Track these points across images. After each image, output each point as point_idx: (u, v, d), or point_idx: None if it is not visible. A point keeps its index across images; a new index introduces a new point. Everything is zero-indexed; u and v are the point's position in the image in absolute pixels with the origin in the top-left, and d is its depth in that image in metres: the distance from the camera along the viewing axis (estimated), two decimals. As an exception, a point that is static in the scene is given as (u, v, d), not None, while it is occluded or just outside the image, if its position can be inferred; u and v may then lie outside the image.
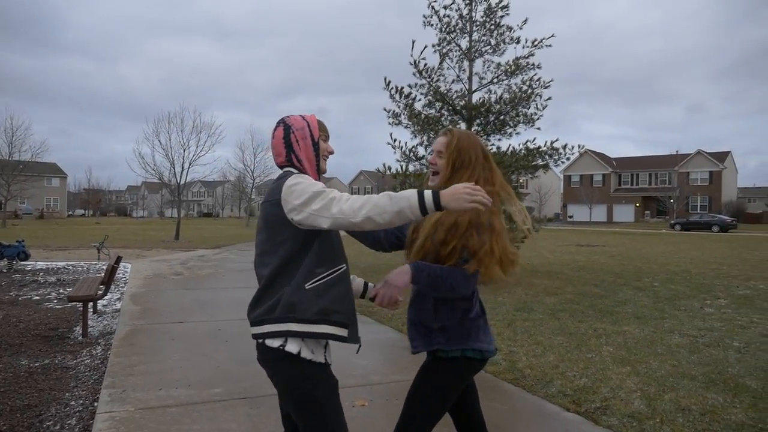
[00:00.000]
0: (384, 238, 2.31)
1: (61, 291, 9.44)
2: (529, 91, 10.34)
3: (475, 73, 10.89)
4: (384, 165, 10.67)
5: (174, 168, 27.16)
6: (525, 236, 10.38)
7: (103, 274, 7.20)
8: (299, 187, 1.84)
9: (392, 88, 10.50)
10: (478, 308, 2.10)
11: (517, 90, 10.45)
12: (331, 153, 2.11)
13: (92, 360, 5.27)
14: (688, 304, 8.27)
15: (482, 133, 10.86)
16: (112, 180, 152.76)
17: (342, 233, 2.03)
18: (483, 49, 10.68)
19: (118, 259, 7.41)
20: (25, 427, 3.67)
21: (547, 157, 10.34)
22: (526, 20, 10.44)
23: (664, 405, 3.94)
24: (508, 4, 10.48)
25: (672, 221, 46.48)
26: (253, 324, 1.94)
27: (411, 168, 10.67)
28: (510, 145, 10.69)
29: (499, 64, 10.68)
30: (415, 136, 10.71)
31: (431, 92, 10.65)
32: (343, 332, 1.92)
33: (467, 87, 10.91)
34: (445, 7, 10.69)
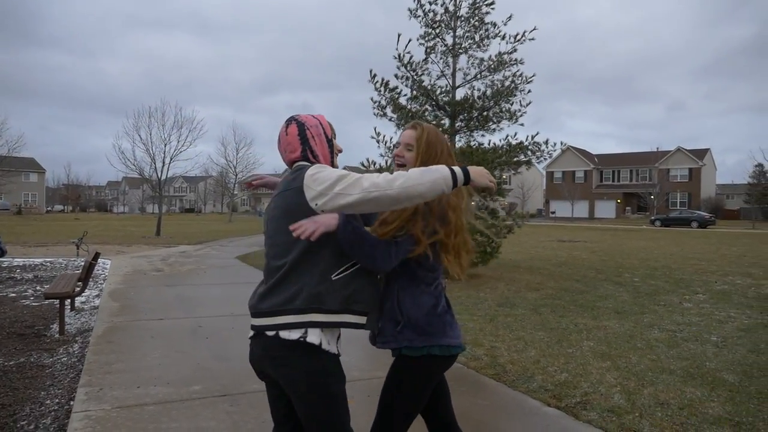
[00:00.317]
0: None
1: (38, 288, 9.26)
2: (512, 86, 10.36)
3: (459, 69, 10.88)
4: (368, 160, 10.64)
5: (155, 163, 26.81)
6: (508, 231, 10.55)
7: (80, 271, 7.07)
8: (324, 173, 1.85)
9: (377, 81, 10.45)
10: (444, 303, 2.08)
11: (499, 85, 10.47)
12: (341, 151, 2.15)
13: (69, 358, 5.17)
14: (668, 299, 8.37)
15: (465, 129, 10.87)
16: (92, 175, 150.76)
17: None
18: (467, 45, 10.67)
19: (96, 256, 7.29)
20: (-1, 427, 3.59)
21: (529, 152, 10.37)
22: (510, 16, 10.46)
23: (643, 399, 3.98)
24: (493, 1, 10.48)
25: (652, 217, 47.08)
26: (265, 315, 1.90)
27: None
28: (490, 141, 10.67)
29: (482, 60, 10.69)
30: (400, 130, 10.70)
31: (415, 86, 10.62)
32: (362, 320, 1.92)
33: (451, 83, 10.90)
34: (430, 2, 10.67)
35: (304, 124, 2.05)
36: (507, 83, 10.42)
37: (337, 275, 1.89)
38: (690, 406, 3.83)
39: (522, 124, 10.61)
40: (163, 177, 27.32)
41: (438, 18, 10.68)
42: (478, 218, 2.19)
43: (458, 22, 10.70)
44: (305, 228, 1.81)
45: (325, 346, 1.88)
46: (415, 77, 10.60)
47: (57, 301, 6.97)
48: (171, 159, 26.95)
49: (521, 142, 10.39)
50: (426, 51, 10.62)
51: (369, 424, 2.14)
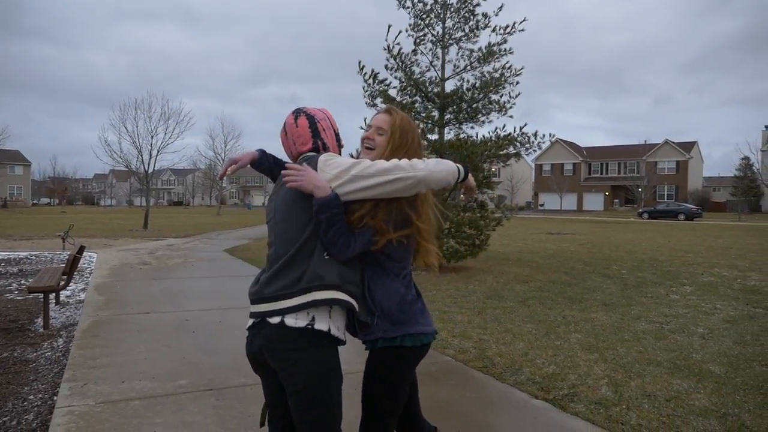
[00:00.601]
0: None
1: (22, 282, 9.14)
2: (502, 78, 10.33)
3: (449, 61, 10.83)
4: (357, 151, 10.58)
5: (141, 155, 26.53)
6: (497, 223, 10.56)
7: (65, 265, 6.97)
8: (338, 159, 1.93)
9: (366, 73, 10.38)
10: (414, 292, 2.06)
11: (488, 78, 10.43)
12: (342, 146, 2.22)
13: (53, 353, 5.10)
14: (655, 291, 8.43)
15: (454, 122, 10.84)
16: (79, 168, 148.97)
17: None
18: (457, 35, 10.61)
19: (81, 249, 7.19)
20: (-20, 423, 3.53)
21: (518, 144, 10.36)
22: (501, 6, 10.40)
23: (630, 391, 3.99)
24: (483, -8, 10.43)
25: (640, 210, 47.42)
26: (269, 300, 1.86)
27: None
28: (478, 133, 10.67)
29: (472, 51, 10.64)
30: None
31: (405, 78, 10.56)
32: (354, 303, 1.88)
33: (440, 74, 10.85)
34: None
35: (314, 117, 2.09)
36: (496, 75, 10.38)
37: (328, 254, 1.88)
38: (677, 398, 3.85)
39: (511, 116, 10.61)
40: (151, 169, 27.05)
41: (427, 8, 10.61)
42: (444, 209, 2.16)
43: (448, 13, 10.64)
44: (294, 177, 1.87)
45: (334, 332, 1.85)
46: (404, 69, 10.53)
47: (41, 295, 6.88)
48: (158, 151, 26.70)
49: (510, 134, 10.38)
50: (415, 42, 10.55)
51: (357, 417, 2.12)
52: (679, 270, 10.94)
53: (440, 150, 10.36)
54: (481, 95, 10.44)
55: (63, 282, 6.57)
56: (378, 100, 10.46)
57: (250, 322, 1.96)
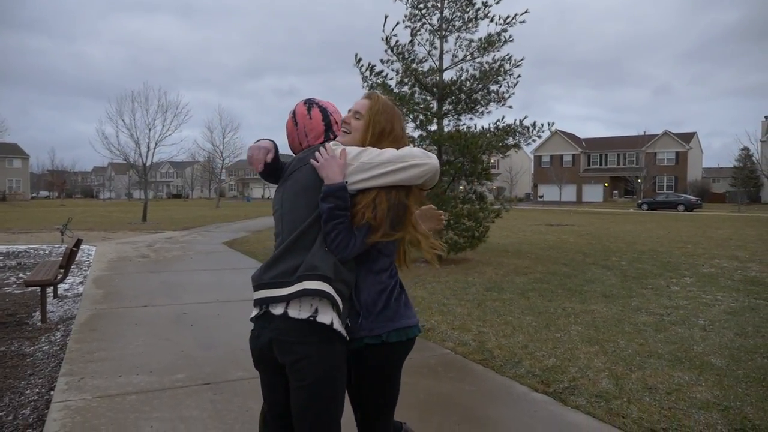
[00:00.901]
0: None
1: (20, 275, 9.10)
2: (502, 69, 10.24)
3: (447, 51, 10.75)
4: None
5: (139, 148, 26.42)
6: (496, 215, 10.51)
7: (62, 258, 6.93)
8: (346, 147, 1.92)
9: (362, 66, 10.30)
10: (399, 285, 2.02)
11: (487, 68, 10.35)
12: None
13: (51, 346, 5.07)
14: (655, 282, 8.40)
15: (453, 113, 10.77)
16: (78, 161, 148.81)
17: None
18: (456, 24, 10.50)
19: (78, 242, 7.15)
20: (-24, 418, 3.50)
21: (518, 134, 10.29)
22: (499, -3, 10.30)
23: (631, 384, 3.96)
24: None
25: (639, 201, 47.39)
26: (267, 286, 1.83)
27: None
28: (476, 124, 10.60)
29: (471, 41, 10.54)
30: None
31: (403, 69, 10.47)
32: (339, 301, 1.82)
33: (438, 65, 10.77)
34: None
35: (327, 109, 2.09)
36: (496, 66, 10.29)
37: (328, 248, 1.85)
38: (678, 391, 3.82)
39: (510, 107, 10.53)
40: (149, 162, 26.95)
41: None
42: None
43: (445, 3, 10.53)
44: (320, 157, 1.87)
45: (337, 326, 1.81)
46: (402, 60, 10.45)
47: (39, 289, 6.84)
48: (156, 144, 26.58)
49: (509, 125, 10.31)
50: (411, 32, 10.45)
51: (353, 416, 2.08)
52: (680, 261, 10.91)
53: (439, 141, 10.30)
54: (480, 86, 10.36)
55: (60, 276, 6.53)
56: (378, 91, 10.39)
57: (254, 312, 1.92)
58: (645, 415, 3.43)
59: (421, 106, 10.60)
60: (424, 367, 4.39)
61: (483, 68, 10.41)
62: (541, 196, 66.92)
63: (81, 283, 8.35)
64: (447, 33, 10.62)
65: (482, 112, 10.74)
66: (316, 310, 1.80)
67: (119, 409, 3.48)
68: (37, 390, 3.98)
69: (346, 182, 1.85)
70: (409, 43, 10.48)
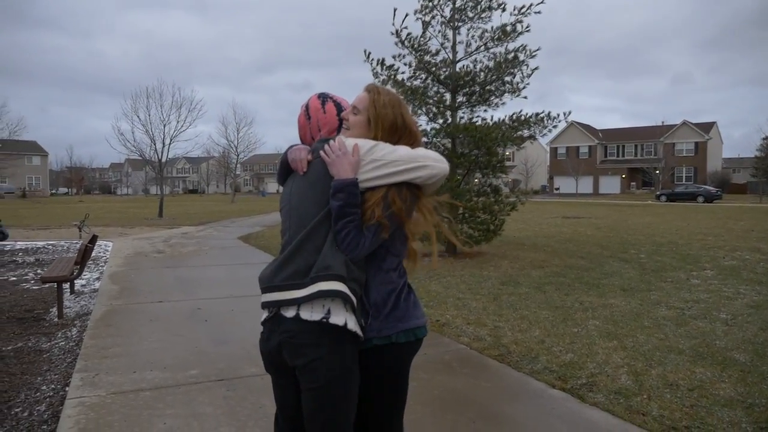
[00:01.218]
0: None
1: (39, 271, 9.21)
2: (516, 60, 10.09)
3: (460, 42, 10.60)
4: None
5: (155, 144, 26.62)
6: (512, 208, 10.39)
7: (77, 254, 6.98)
8: (359, 140, 1.85)
9: (373, 60, 10.22)
10: (407, 285, 1.95)
11: (501, 59, 10.20)
12: None
13: (67, 342, 5.11)
14: (675, 275, 8.24)
15: (467, 104, 10.64)
16: (95, 157, 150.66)
17: None
18: (469, 15, 10.35)
19: (93, 239, 7.19)
20: (-7, 414, 3.52)
21: (533, 125, 10.14)
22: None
23: (651, 380, 3.87)
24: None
25: (657, 192, 46.75)
26: (279, 289, 1.78)
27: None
28: (493, 116, 10.46)
29: (484, 31, 10.39)
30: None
31: (415, 61, 10.37)
32: (353, 299, 1.76)
33: (451, 56, 10.64)
34: None
35: (341, 105, 2.04)
36: (510, 57, 10.14)
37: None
38: (700, 388, 3.72)
39: (525, 97, 10.38)
40: (164, 158, 27.15)
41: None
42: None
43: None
44: (330, 152, 1.81)
45: (351, 326, 1.75)
46: (414, 52, 10.34)
47: (56, 285, 6.90)
48: (171, 140, 26.76)
49: (523, 115, 10.16)
50: (423, 24, 10.32)
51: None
52: (700, 253, 10.70)
53: (453, 134, 10.20)
54: (494, 77, 10.22)
55: (75, 272, 6.58)
56: (389, 85, 10.31)
57: (264, 314, 1.87)
58: (666, 412, 3.34)
59: (434, 98, 10.49)
60: (439, 362, 4.33)
61: (497, 59, 10.26)
62: (557, 189, 66.32)
63: (98, 278, 8.41)
64: (460, 24, 10.48)
65: (496, 104, 10.60)
66: (329, 312, 1.74)
67: (133, 406, 3.48)
68: (52, 386, 4.00)
69: (357, 179, 1.79)
70: (421, 36, 10.37)
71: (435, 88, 10.60)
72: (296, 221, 1.85)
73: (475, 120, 10.45)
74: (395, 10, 9.89)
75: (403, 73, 10.45)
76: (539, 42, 10.15)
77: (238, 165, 55.61)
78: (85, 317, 5.99)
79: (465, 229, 10.29)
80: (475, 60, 10.53)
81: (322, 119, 2.01)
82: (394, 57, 10.37)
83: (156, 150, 26.68)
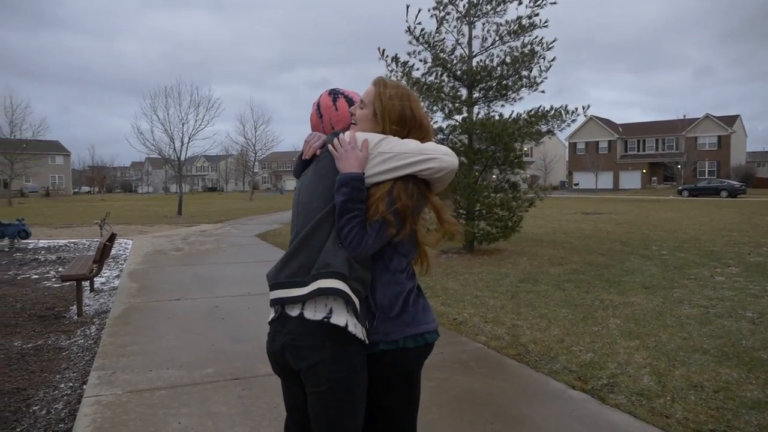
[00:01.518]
0: None
1: (60, 269, 9.33)
2: (532, 53, 9.94)
3: (475, 37, 10.48)
4: None
5: (173, 143, 26.90)
6: (530, 204, 10.26)
7: (95, 253, 7.04)
8: (368, 135, 1.80)
9: (387, 56, 10.15)
10: (417, 288, 1.87)
11: (518, 53, 10.06)
12: None
13: (86, 340, 5.15)
14: (698, 272, 8.06)
15: (484, 100, 10.52)
16: (116, 157, 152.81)
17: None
18: (484, 9, 10.23)
19: (112, 237, 7.26)
20: (12, 411, 3.56)
21: (551, 120, 9.98)
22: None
23: (674, 381, 3.76)
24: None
25: (679, 187, 45.97)
26: (283, 286, 1.73)
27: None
28: (513, 111, 10.28)
29: (499, 25, 10.25)
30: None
31: (431, 58, 10.28)
32: (355, 300, 1.69)
33: (467, 52, 10.52)
34: None
35: (352, 99, 1.99)
36: (526, 50, 9.99)
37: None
38: (726, 389, 3.61)
39: (543, 92, 10.22)
40: (183, 156, 27.42)
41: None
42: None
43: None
44: (338, 146, 1.75)
45: (351, 328, 1.68)
46: (429, 48, 10.25)
47: (75, 283, 6.98)
48: (189, 138, 27.01)
49: (541, 109, 10.01)
50: (438, 19, 10.22)
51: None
52: (724, 250, 10.46)
53: (469, 129, 10.09)
54: (511, 71, 10.08)
55: (94, 270, 6.64)
56: (403, 81, 10.24)
57: (272, 314, 1.83)
58: (690, 415, 3.25)
59: (450, 94, 10.39)
60: (456, 362, 4.27)
61: (513, 53, 10.12)
62: (576, 184, 65.56)
63: (117, 276, 8.50)
64: (475, 18, 10.36)
65: (513, 99, 10.46)
66: (331, 311, 1.68)
67: (148, 405, 3.48)
68: (70, 384, 4.03)
69: (363, 173, 1.73)
70: (435, 31, 10.27)
71: (451, 84, 10.50)
72: (303, 216, 1.80)
73: (492, 115, 10.33)
74: (408, 6, 9.84)
75: (417, 69, 10.37)
76: (558, 35, 9.95)
77: (256, 163, 55.91)
78: (104, 315, 6.04)
79: (482, 225, 10.20)
80: (492, 54, 10.41)
81: (334, 117, 1.97)
82: (408, 54, 10.29)
83: (175, 148, 26.97)
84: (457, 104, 10.38)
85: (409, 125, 1.82)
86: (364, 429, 1.80)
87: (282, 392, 1.95)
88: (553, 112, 9.93)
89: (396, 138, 1.78)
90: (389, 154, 1.73)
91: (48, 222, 20.89)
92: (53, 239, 14.45)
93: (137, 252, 11.29)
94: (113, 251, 11.03)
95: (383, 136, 1.78)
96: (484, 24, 10.35)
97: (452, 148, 10.55)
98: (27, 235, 13.31)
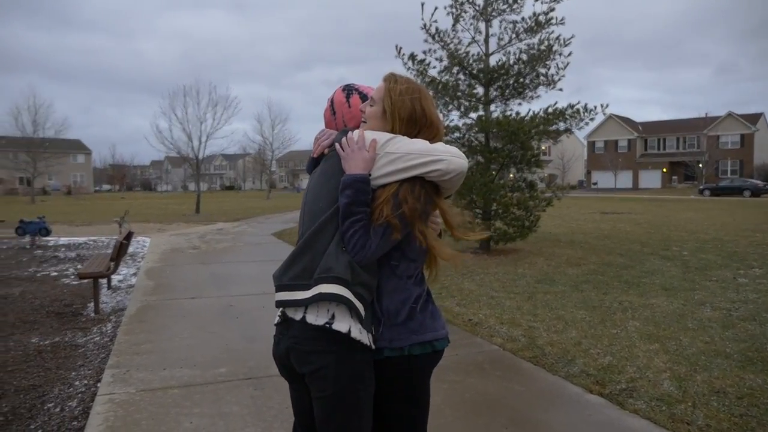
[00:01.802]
0: None
1: (79, 266, 9.42)
2: (548, 49, 9.81)
3: (492, 34, 10.38)
4: None
5: (192, 142, 27.15)
6: (548, 203, 10.13)
7: (112, 251, 7.10)
8: (377, 133, 1.73)
9: (404, 55, 10.10)
10: (425, 294, 1.80)
11: (535, 50, 9.94)
12: None
13: (102, 337, 5.19)
14: (720, 274, 7.88)
15: (500, 98, 10.42)
16: (136, 155, 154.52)
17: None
18: (500, 8, 10.12)
19: (129, 235, 7.32)
20: (27, 408, 3.59)
21: (568, 118, 9.84)
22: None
23: (696, 387, 3.66)
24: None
25: (701, 187, 45.22)
26: (286, 288, 1.69)
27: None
28: (529, 109, 10.17)
29: (515, 22, 10.14)
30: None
31: (447, 56, 10.20)
32: (359, 307, 1.64)
33: (484, 50, 10.42)
34: None
35: (367, 96, 1.90)
36: (543, 47, 9.87)
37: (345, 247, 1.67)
38: (750, 395, 3.50)
39: (560, 89, 10.08)
40: (201, 155, 27.66)
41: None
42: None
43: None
44: (345, 146, 1.69)
45: (355, 334, 1.63)
46: (445, 46, 10.17)
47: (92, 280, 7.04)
48: (207, 137, 27.25)
49: (559, 109, 9.88)
50: (454, 17, 10.14)
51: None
52: (747, 251, 10.22)
53: (486, 128, 10.00)
54: (528, 69, 9.97)
55: (111, 268, 6.69)
56: (418, 80, 10.19)
57: (277, 317, 1.80)
58: (713, 422, 3.15)
59: (466, 92, 10.30)
60: (471, 364, 4.21)
61: (531, 51, 10.00)
62: (595, 183, 64.80)
63: (134, 274, 8.57)
64: (492, 16, 10.26)
65: (531, 97, 10.35)
66: (333, 317, 1.63)
67: (161, 404, 3.48)
68: (85, 382, 4.05)
69: (369, 175, 1.66)
70: (452, 29, 10.19)
71: (467, 82, 10.41)
72: (309, 216, 1.75)
73: (508, 114, 10.22)
74: (423, 4, 9.78)
75: (434, 67, 10.30)
76: (576, 32, 9.81)
77: (274, 161, 56.18)
78: (120, 312, 6.08)
79: (499, 225, 10.10)
80: (508, 52, 10.30)
81: (347, 114, 1.90)
82: (424, 52, 10.23)
83: (193, 147, 27.22)
84: (473, 102, 10.29)
85: (419, 124, 1.75)
86: None
87: (290, 397, 1.92)
88: (571, 111, 9.79)
89: (405, 138, 1.70)
90: (396, 155, 1.66)
91: (69, 220, 21.19)
92: (73, 237, 14.65)
93: (155, 250, 11.38)
94: (131, 249, 11.15)
95: (392, 135, 1.71)
96: (501, 21, 10.25)
97: (469, 147, 10.50)
98: (48, 233, 13.50)
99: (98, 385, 3.90)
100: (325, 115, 1.98)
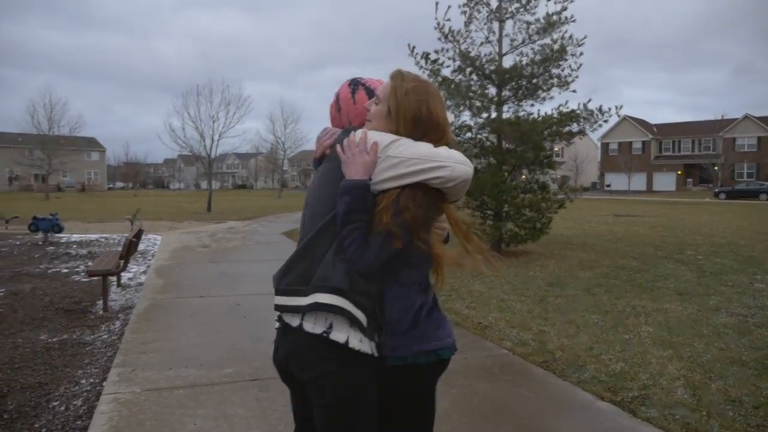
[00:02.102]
0: None
1: (90, 263, 9.45)
2: (561, 50, 9.71)
3: (506, 35, 10.30)
4: None
5: (204, 140, 27.28)
6: (560, 205, 10.02)
7: (122, 248, 7.11)
8: (380, 134, 1.65)
9: (417, 54, 10.05)
10: (431, 301, 1.72)
11: (548, 50, 9.84)
12: None
13: (109, 336, 5.18)
14: (736, 279, 7.73)
15: (513, 99, 10.33)
16: (149, 153, 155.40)
17: None
18: (514, 9, 10.04)
19: (139, 233, 7.33)
20: (32, 406, 3.57)
21: (582, 119, 9.73)
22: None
23: (711, 395, 3.57)
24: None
25: (716, 189, 44.69)
26: (283, 293, 1.63)
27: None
28: (540, 110, 10.08)
29: (528, 23, 10.05)
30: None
31: (459, 56, 10.13)
32: (360, 317, 1.57)
33: (497, 50, 10.34)
34: None
35: (374, 92, 1.79)
36: (556, 47, 9.77)
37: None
38: (767, 405, 3.40)
39: (574, 91, 9.97)
40: (213, 154, 27.79)
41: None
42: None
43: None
44: (346, 150, 1.62)
45: (354, 344, 1.56)
46: (457, 46, 10.11)
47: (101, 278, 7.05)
48: (220, 136, 27.36)
49: (573, 110, 9.77)
50: (467, 17, 10.08)
51: None
52: (764, 255, 10.04)
53: (498, 129, 9.91)
54: (541, 70, 9.87)
55: (120, 266, 6.70)
56: (431, 80, 10.13)
57: (276, 322, 1.74)
58: (728, 431, 3.06)
59: (478, 93, 10.23)
60: (480, 368, 4.14)
61: (544, 51, 9.90)
62: (608, 185, 64.26)
63: (144, 272, 8.59)
64: (506, 17, 10.18)
65: (544, 98, 10.25)
66: (331, 326, 1.57)
67: (165, 404, 3.45)
68: (91, 380, 4.03)
69: (367, 181, 1.59)
70: (465, 29, 10.13)
71: (480, 83, 10.34)
72: (309, 220, 1.70)
73: (521, 114, 10.13)
74: (437, 3, 9.73)
75: (447, 67, 10.24)
76: (591, 33, 9.72)
77: (286, 161, 56.32)
78: (128, 311, 6.08)
79: (510, 226, 10.01)
80: (521, 53, 10.21)
81: (352, 111, 1.81)
82: (436, 51, 10.17)
83: (205, 146, 27.36)
84: (485, 102, 10.21)
85: (424, 125, 1.65)
86: None
87: (291, 403, 1.87)
88: (584, 111, 9.68)
89: (408, 140, 1.61)
90: (397, 159, 1.57)
91: (82, 216, 21.36)
92: (85, 233, 14.75)
93: (165, 248, 11.42)
94: (142, 246, 11.18)
95: (395, 137, 1.62)
96: (515, 22, 10.17)
97: (481, 147, 10.42)
98: (60, 230, 13.60)
99: (104, 383, 3.88)
100: (330, 111, 1.89)
